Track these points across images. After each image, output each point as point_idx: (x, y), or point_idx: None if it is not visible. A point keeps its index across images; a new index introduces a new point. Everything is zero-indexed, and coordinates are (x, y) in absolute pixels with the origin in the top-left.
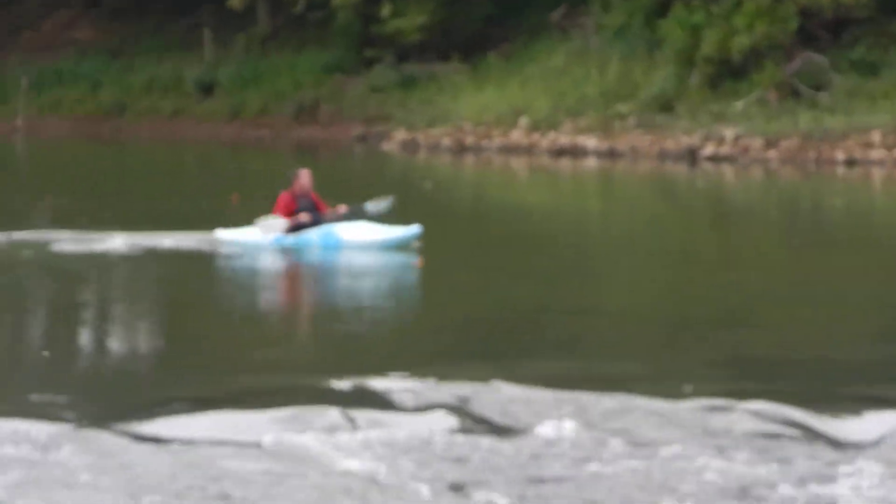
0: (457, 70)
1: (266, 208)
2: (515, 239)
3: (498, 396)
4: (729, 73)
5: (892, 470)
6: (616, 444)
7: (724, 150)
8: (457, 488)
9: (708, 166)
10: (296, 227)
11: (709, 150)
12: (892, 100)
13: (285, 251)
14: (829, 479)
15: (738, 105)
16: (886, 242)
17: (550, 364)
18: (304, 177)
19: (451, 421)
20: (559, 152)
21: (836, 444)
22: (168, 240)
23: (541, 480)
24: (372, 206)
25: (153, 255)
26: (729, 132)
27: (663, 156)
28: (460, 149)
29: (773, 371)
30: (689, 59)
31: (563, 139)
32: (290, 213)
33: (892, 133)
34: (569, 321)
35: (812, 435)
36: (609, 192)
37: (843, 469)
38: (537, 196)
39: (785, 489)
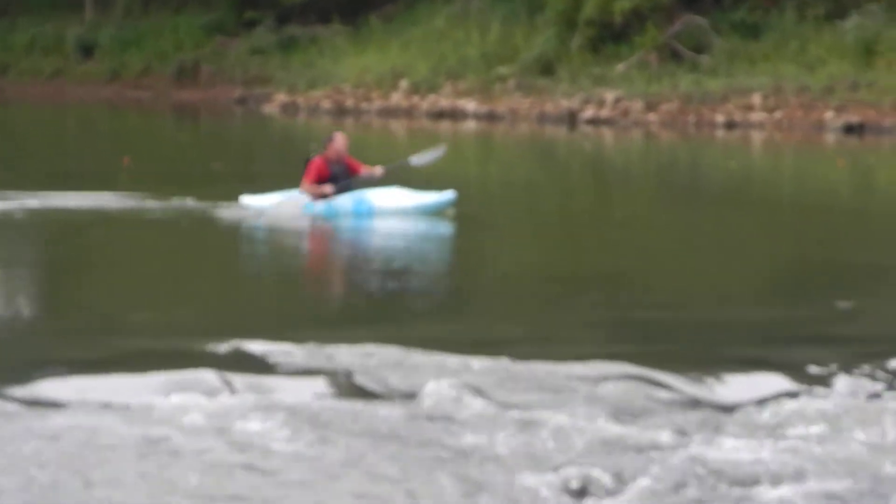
0: (337, 32)
1: (287, 177)
2: None
3: (379, 360)
4: (610, 36)
5: (772, 433)
6: (498, 407)
7: (605, 112)
8: (333, 451)
9: (588, 129)
10: (321, 197)
11: (589, 112)
12: (773, 62)
13: (313, 219)
14: (710, 441)
15: (619, 68)
16: (772, 204)
17: (433, 326)
18: (339, 141)
19: (332, 385)
20: (439, 115)
21: (717, 406)
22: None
23: (421, 445)
24: (418, 158)
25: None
26: (609, 95)
27: (543, 119)
28: (340, 111)
29: (658, 333)
30: (571, 22)
31: (443, 102)
32: (322, 179)
33: (773, 95)
34: (451, 282)
35: (693, 397)
36: (489, 154)
37: (724, 432)
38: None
39: (666, 452)
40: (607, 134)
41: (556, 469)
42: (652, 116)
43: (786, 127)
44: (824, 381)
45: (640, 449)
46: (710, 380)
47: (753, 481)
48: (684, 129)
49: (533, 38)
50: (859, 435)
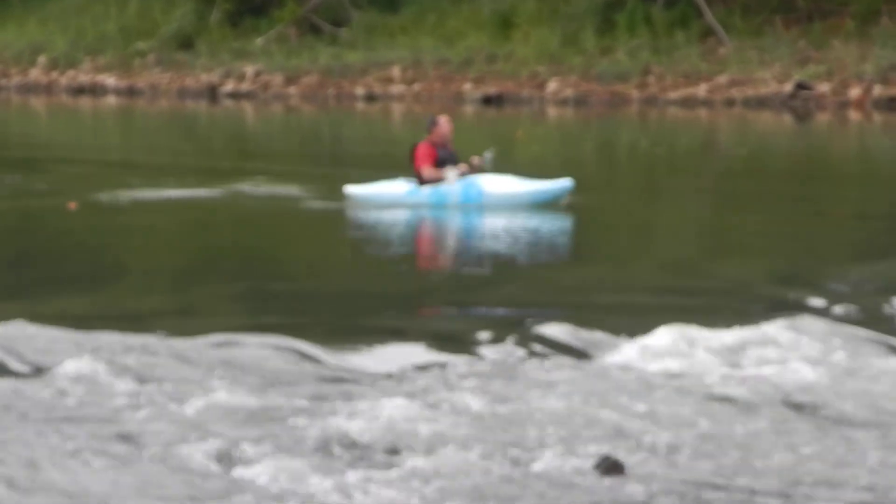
0: None
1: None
2: (46, 168)
3: (20, 336)
4: (249, 10)
5: (415, 400)
6: (141, 382)
7: (245, 86)
8: None
9: (229, 103)
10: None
11: (229, 86)
12: (411, 35)
13: (416, 207)
14: (355, 409)
15: (259, 42)
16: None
17: (74, 301)
18: (444, 124)
19: None
20: (79, 90)
21: (361, 374)
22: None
23: (65, 422)
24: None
25: None
26: (249, 69)
27: (183, 93)
28: None
29: (299, 304)
30: None
31: (83, 77)
32: (432, 163)
33: (412, 68)
34: (93, 255)
35: (336, 367)
36: (131, 128)
37: (368, 399)
38: (60, 132)
39: (310, 420)
40: (248, 107)
41: (204, 439)
42: (292, 90)
43: (425, 99)
44: (466, 347)
45: (285, 418)
46: (352, 349)
47: (398, 448)
48: (324, 103)
49: (171, 12)
50: (503, 400)
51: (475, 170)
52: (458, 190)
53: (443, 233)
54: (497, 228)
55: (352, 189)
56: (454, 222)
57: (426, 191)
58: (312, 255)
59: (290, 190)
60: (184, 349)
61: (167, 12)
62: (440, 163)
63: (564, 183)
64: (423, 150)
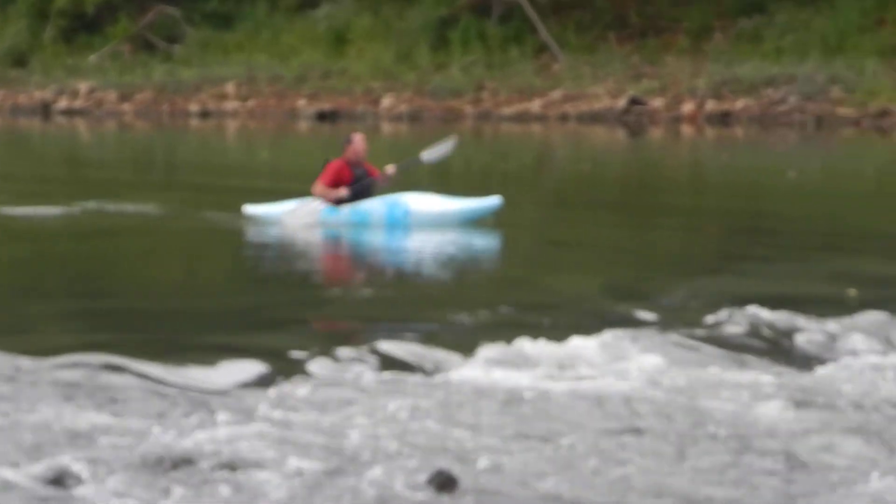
0: None
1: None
2: None
3: None
4: (83, 27)
5: (243, 419)
6: None
7: (79, 103)
8: None
9: (62, 120)
10: (337, 201)
11: (63, 103)
12: (245, 52)
13: (336, 227)
14: (187, 427)
15: (92, 59)
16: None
17: None
18: (359, 142)
19: None
20: None
21: (189, 394)
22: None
23: None
24: (429, 153)
25: None
26: (83, 86)
27: (16, 110)
28: None
29: (133, 322)
30: (43, 13)
31: None
32: (342, 184)
33: (246, 84)
34: None
35: (168, 384)
36: None
37: (192, 419)
38: None
39: (140, 439)
40: (81, 124)
41: (35, 461)
42: (126, 106)
43: (259, 115)
44: (301, 364)
45: (116, 436)
46: (187, 367)
47: (228, 466)
48: (159, 119)
49: (5, 29)
50: (335, 416)
51: (386, 180)
52: (383, 209)
53: (316, 251)
54: (373, 245)
55: (253, 209)
56: (339, 241)
57: (346, 210)
58: (158, 273)
59: (132, 207)
60: (13, 368)
61: (0, 29)
62: (356, 180)
63: (493, 201)
64: (332, 167)
